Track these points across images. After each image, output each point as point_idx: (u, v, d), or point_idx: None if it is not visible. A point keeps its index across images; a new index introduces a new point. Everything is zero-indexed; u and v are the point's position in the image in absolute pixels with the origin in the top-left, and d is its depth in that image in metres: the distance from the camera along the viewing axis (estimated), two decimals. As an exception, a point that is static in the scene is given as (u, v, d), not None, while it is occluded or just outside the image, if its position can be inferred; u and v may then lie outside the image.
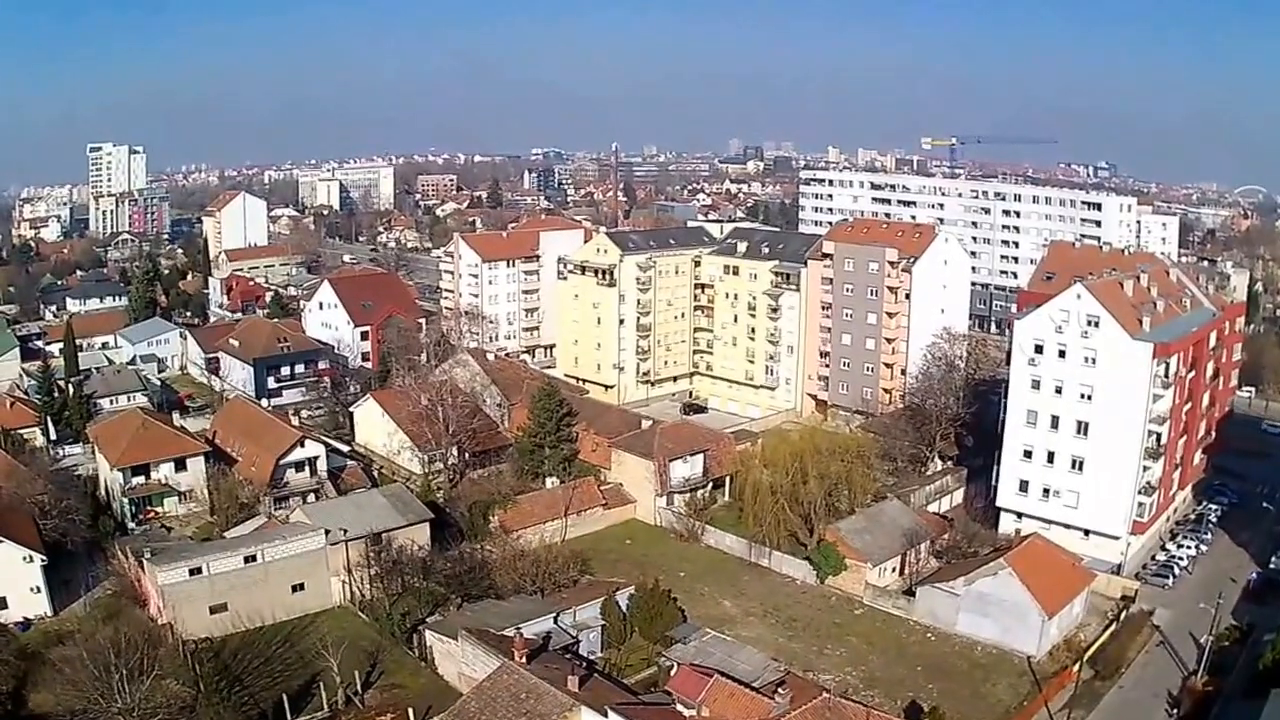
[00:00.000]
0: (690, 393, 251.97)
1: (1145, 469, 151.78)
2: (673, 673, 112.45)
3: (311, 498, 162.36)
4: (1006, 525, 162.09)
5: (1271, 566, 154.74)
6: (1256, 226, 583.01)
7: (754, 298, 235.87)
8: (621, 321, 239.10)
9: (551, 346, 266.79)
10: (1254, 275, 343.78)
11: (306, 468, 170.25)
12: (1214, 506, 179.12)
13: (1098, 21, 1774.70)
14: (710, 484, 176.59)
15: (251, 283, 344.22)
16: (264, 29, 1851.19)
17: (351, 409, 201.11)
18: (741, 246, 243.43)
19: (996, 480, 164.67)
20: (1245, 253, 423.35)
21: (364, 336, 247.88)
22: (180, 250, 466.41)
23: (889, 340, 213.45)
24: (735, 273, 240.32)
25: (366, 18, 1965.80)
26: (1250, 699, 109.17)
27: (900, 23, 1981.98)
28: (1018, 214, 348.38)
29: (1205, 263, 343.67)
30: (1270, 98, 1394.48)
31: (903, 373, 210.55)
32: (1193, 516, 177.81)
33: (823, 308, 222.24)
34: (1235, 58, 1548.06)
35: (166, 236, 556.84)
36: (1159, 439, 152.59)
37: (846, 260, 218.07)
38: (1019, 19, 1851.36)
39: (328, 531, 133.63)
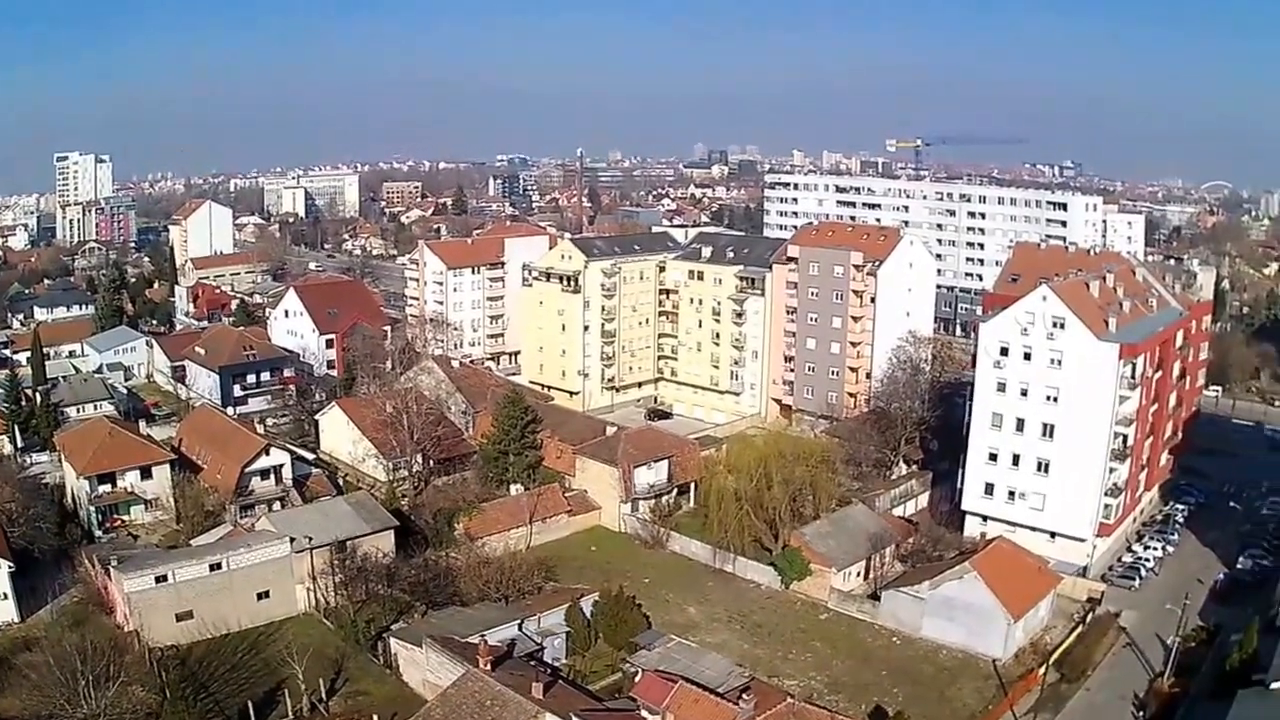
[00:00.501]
0: (655, 398, 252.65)
1: (1111, 470, 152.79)
2: (637, 679, 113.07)
3: (277, 505, 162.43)
4: (972, 528, 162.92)
5: (1238, 567, 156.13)
6: (1223, 223, 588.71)
7: (718, 303, 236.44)
8: (586, 328, 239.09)
9: (516, 353, 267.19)
10: (1221, 273, 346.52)
11: (272, 475, 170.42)
12: (1181, 507, 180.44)
13: (1063, 18, 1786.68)
14: (675, 490, 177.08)
15: (217, 291, 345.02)
16: (229, 38, 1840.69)
17: (317, 416, 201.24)
18: (706, 251, 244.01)
19: (961, 483, 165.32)
20: (1212, 250, 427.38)
21: (329, 344, 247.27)
22: (147, 258, 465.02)
23: (854, 344, 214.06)
24: (700, 278, 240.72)
25: (333, 26, 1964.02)
26: (1217, 700, 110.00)
27: (865, 25, 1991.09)
28: (983, 215, 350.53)
29: (1171, 261, 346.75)
30: (1235, 93, 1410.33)
31: (868, 376, 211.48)
32: (1159, 517, 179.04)
33: (787, 312, 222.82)
34: (1202, 54, 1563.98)
35: (133, 245, 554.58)
36: (1125, 440, 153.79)
37: (811, 264, 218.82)
38: (985, 20, 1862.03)
39: (293, 539, 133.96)
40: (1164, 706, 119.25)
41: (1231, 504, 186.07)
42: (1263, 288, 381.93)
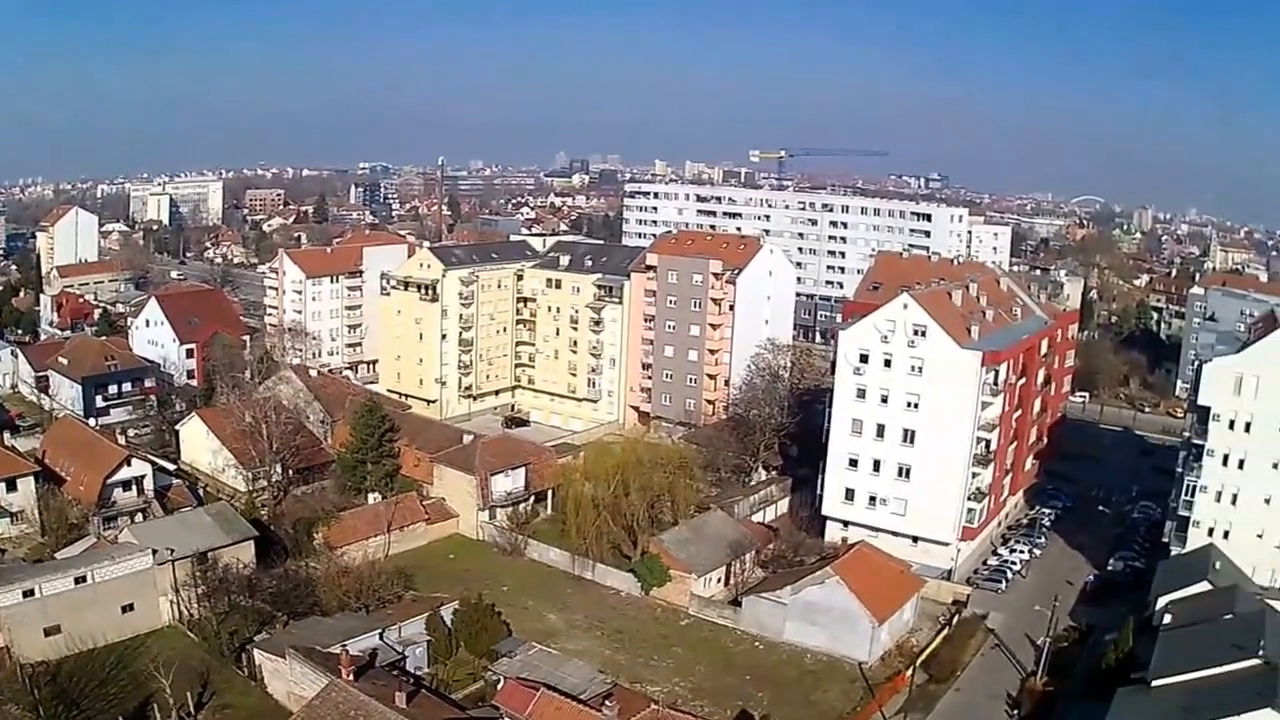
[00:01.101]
0: (512, 406, 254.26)
1: (974, 475, 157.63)
2: (500, 687, 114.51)
3: (139, 517, 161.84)
4: (833, 533, 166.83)
5: (1110, 569, 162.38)
6: (1093, 235, 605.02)
7: (576, 311, 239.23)
8: (444, 336, 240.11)
9: (374, 362, 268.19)
10: (1089, 283, 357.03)
11: (134, 487, 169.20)
12: (1048, 511, 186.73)
13: (937, 31, 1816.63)
14: (532, 497, 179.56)
15: (81, 300, 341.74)
16: (96, 38, 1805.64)
17: (177, 427, 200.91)
18: (564, 260, 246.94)
19: (822, 489, 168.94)
20: (1081, 261, 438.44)
21: (189, 354, 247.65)
22: (14, 266, 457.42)
23: (712, 351, 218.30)
24: (558, 286, 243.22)
25: (199, 30, 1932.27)
26: (1093, 699, 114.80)
27: (731, 34, 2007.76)
28: (845, 225, 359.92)
29: (1038, 271, 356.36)
30: (1111, 109, 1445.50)
31: (726, 383, 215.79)
32: (1026, 521, 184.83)
33: (645, 320, 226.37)
34: (1074, 68, 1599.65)
35: (1, 252, 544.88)
36: (988, 445, 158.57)
37: (670, 272, 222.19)
38: (855, 30, 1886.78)
39: (155, 551, 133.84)
40: (1038, 705, 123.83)
41: (1100, 508, 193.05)
42: (1133, 298, 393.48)
